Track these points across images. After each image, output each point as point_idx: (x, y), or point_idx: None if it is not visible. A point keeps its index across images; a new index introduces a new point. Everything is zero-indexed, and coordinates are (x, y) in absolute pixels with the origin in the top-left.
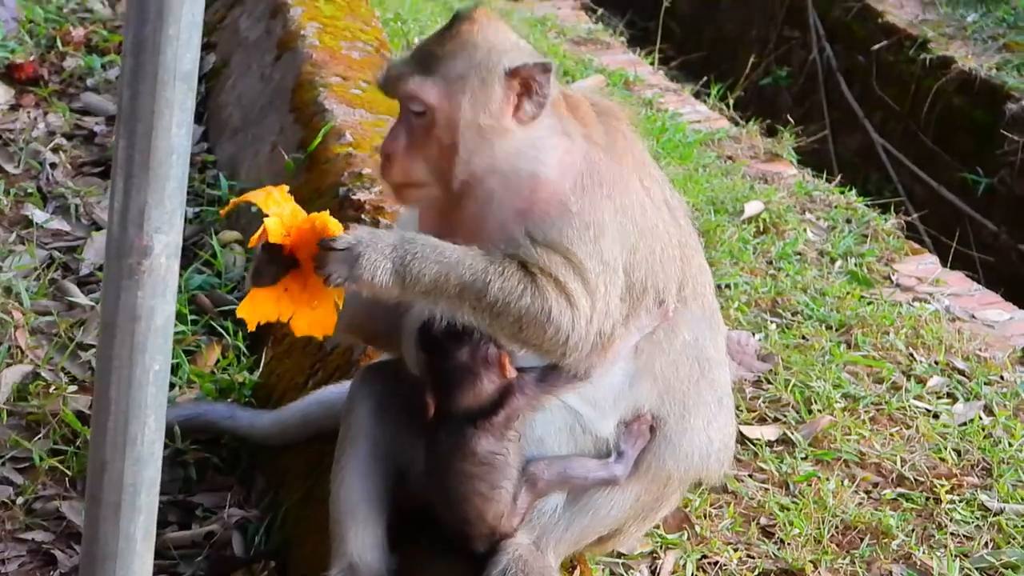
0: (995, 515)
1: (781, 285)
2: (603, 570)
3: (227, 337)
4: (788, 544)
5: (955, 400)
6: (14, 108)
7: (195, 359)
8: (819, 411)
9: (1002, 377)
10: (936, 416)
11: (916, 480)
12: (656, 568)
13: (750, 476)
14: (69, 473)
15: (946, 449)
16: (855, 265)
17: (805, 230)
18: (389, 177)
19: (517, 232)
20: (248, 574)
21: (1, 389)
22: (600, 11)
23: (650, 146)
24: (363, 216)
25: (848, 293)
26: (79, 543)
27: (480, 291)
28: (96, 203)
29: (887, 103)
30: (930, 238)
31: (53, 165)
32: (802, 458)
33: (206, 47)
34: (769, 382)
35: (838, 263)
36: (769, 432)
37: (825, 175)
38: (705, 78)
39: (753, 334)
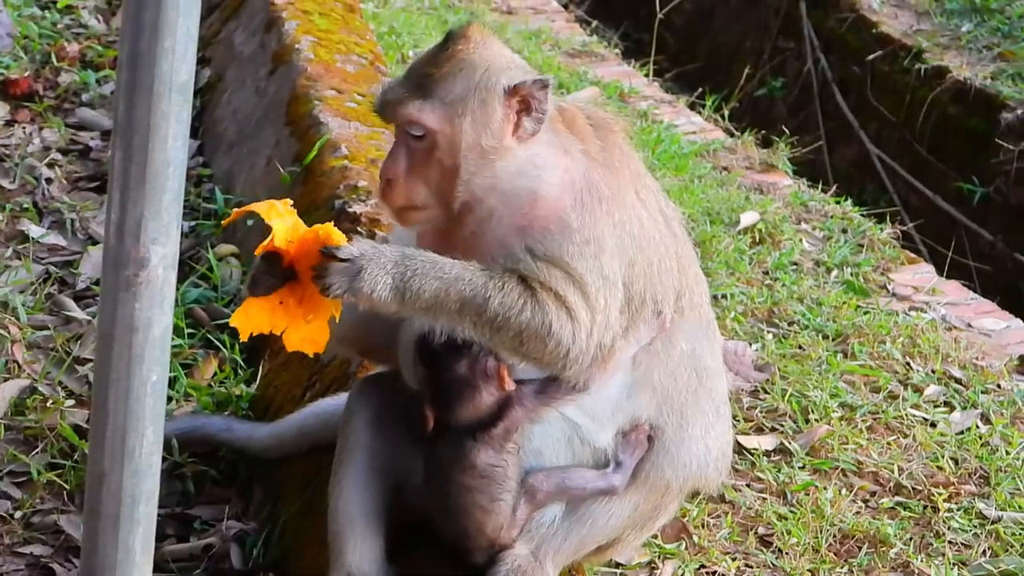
0: (993, 523)
1: (777, 295)
2: None
3: (224, 350)
4: (786, 553)
5: (952, 409)
6: (9, 124)
7: (192, 372)
8: (816, 420)
9: (999, 385)
10: (933, 425)
11: (914, 489)
12: None
13: (748, 486)
14: (67, 487)
15: (943, 458)
16: (851, 275)
17: (801, 240)
18: (391, 201)
19: (517, 248)
20: None
21: None
22: (595, 23)
23: (645, 158)
24: (359, 229)
25: (844, 303)
26: (77, 557)
27: (480, 306)
28: (92, 218)
29: (882, 113)
30: (926, 247)
31: (49, 180)
32: (799, 467)
33: (201, 61)
34: (766, 392)
35: (834, 273)
36: (766, 442)
37: (821, 185)
38: (700, 89)
39: (750, 344)
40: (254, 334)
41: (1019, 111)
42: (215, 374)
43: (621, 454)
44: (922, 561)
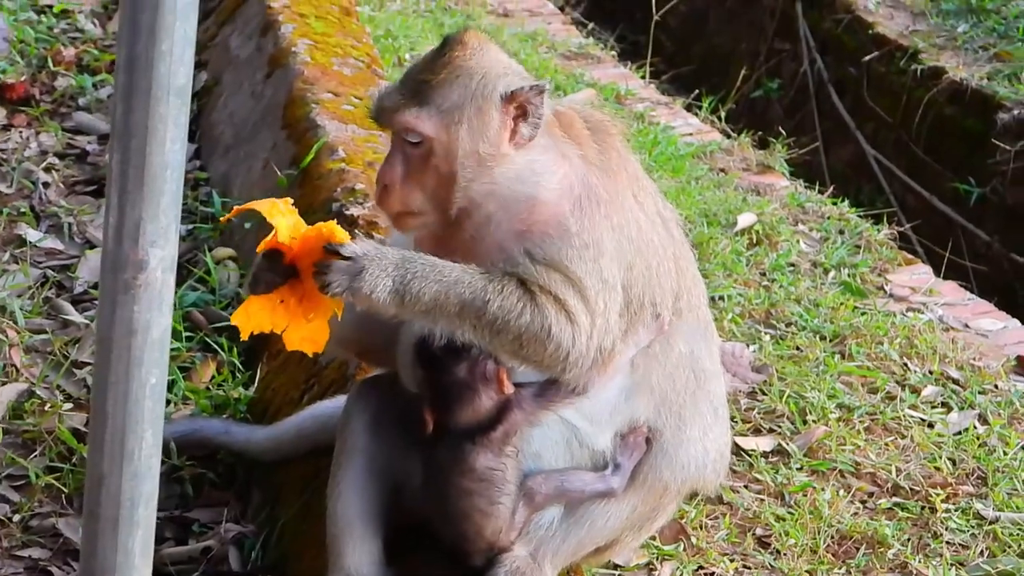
0: (991, 524)
1: (775, 296)
2: None
3: (222, 353)
4: (784, 554)
5: (949, 409)
6: (6, 128)
7: (190, 375)
8: (814, 421)
9: (996, 386)
10: (931, 425)
11: (911, 489)
12: None
13: (745, 487)
14: (65, 490)
15: (941, 458)
16: (848, 276)
17: (798, 241)
18: (388, 207)
19: (516, 252)
20: None
21: None
22: (591, 25)
23: (642, 159)
24: (356, 232)
25: (841, 304)
26: (76, 560)
27: (480, 309)
28: (89, 221)
29: (878, 114)
30: (923, 248)
31: (46, 184)
32: (797, 468)
33: (197, 65)
34: (764, 393)
35: (831, 274)
36: (764, 443)
37: (817, 186)
38: (696, 91)
39: (747, 345)
40: (254, 333)
41: (1015, 111)
42: (213, 377)
43: (619, 456)
44: (920, 562)
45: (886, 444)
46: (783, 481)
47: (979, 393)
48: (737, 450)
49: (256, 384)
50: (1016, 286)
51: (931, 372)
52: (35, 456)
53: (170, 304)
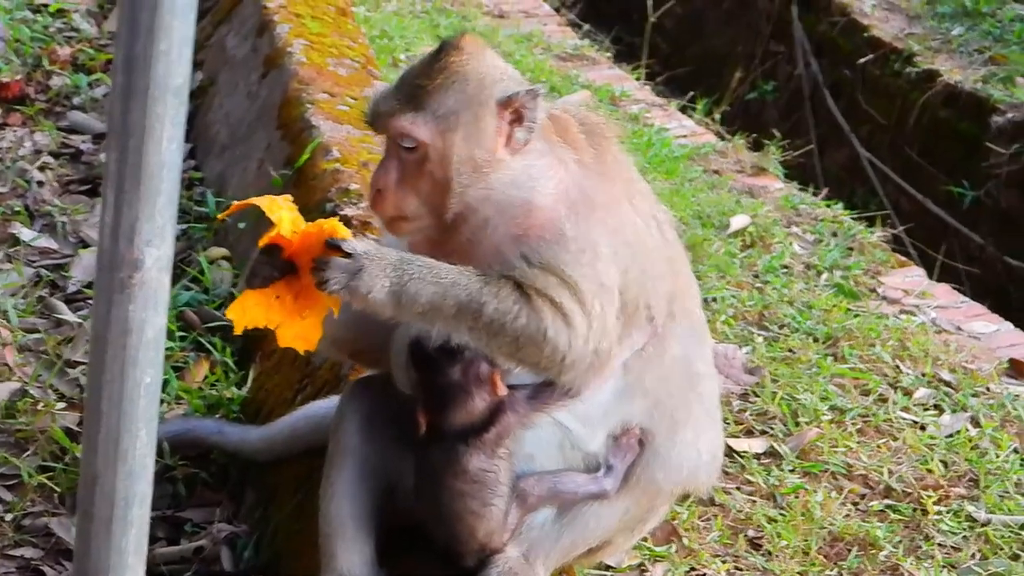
0: (982, 526)
1: (768, 298)
2: None
3: (215, 353)
4: (776, 556)
5: (942, 412)
6: (0, 127)
7: (183, 375)
8: (806, 423)
9: (988, 389)
10: (923, 428)
11: (903, 492)
12: None
13: (738, 489)
14: (58, 490)
15: (933, 461)
16: (841, 278)
17: (791, 243)
18: (381, 211)
19: (512, 255)
20: None
21: None
22: (586, 27)
23: (637, 161)
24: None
25: (835, 306)
26: (68, 559)
27: (476, 312)
28: (83, 221)
29: (873, 117)
30: (916, 251)
31: (40, 183)
32: (789, 470)
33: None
34: (756, 395)
35: (824, 276)
36: (756, 445)
37: (811, 189)
38: (691, 93)
39: (740, 347)
40: (249, 328)
41: (1010, 115)
42: (206, 377)
43: (612, 458)
44: (912, 564)
45: (878, 446)
46: (775, 483)
47: (971, 396)
48: (729, 452)
49: (249, 384)
50: (1009, 289)
51: (924, 374)
52: (28, 455)
53: (165, 304)
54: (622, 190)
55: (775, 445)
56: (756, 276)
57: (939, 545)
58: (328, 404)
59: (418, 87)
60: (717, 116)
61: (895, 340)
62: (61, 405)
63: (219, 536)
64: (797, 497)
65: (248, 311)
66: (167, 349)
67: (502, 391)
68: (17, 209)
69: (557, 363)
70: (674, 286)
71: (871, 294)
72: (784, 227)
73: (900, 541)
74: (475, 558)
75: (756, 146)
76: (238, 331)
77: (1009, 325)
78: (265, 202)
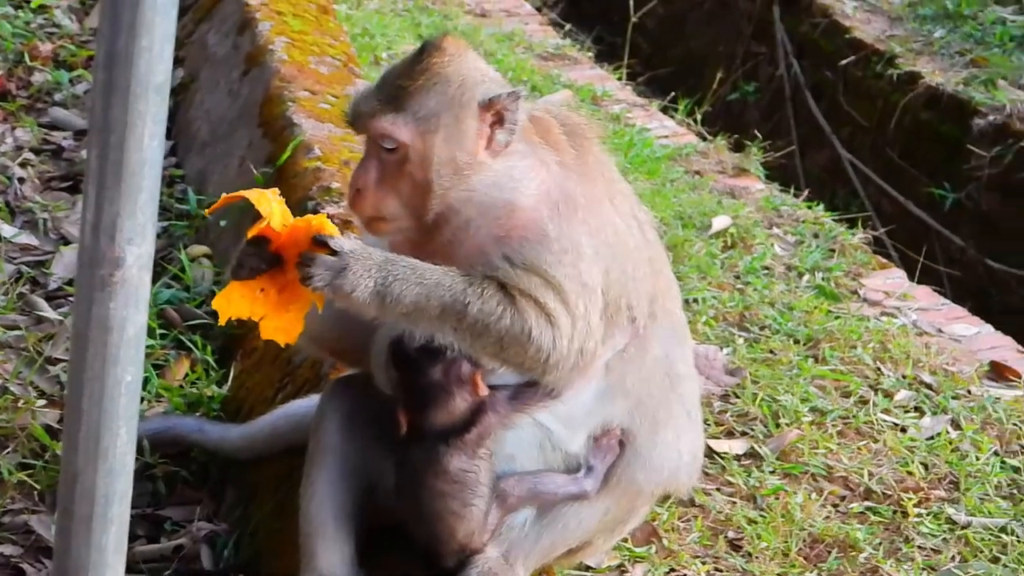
0: (962, 528)
1: (749, 299)
2: None
3: (196, 351)
4: (756, 557)
5: (922, 414)
6: None
7: (164, 373)
8: (787, 425)
9: (969, 391)
10: (903, 430)
11: (883, 494)
12: None
13: (718, 490)
14: (38, 487)
15: (913, 463)
16: (823, 279)
17: (772, 245)
18: (360, 211)
19: (495, 256)
20: None
21: None
22: (568, 27)
23: (618, 161)
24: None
25: (816, 307)
26: (48, 557)
27: (460, 312)
28: (64, 217)
29: (854, 118)
30: (897, 253)
31: (21, 180)
32: (770, 472)
33: (174, 62)
34: (737, 396)
35: (805, 277)
36: (737, 446)
37: (793, 190)
38: (673, 93)
39: (721, 348)
40: (233, 319)
41: (991, 117)
42: (187, 375)
43: (592, 459)
44: (891, 566)
45: (859, 448)
46: (755, 484)
47: (952, 398)
48: (710, 453)
49: (230, 382)
50: (990, 291)
51: (904, 376)
52: (8, 452)
53: (146, 302)
54: (603, 191)
55: (755, 446)
56: (737, 277)
57: (919, 547)
58: (309, 403)
59: (399, 88)
60: (698, 117)
61: (876, 342)
62: (41, 402)
63: (199, 534)
64: (777, 498)
65: (233, 302)
66: (147, 347)
67: (483, 391)
68: None
69: (542, 363)
70: (655, 287)
71: (852, 296)
72: (765, 228)
73: (880, 543)
74: (455, 558)
75: (737, 147)
76: (222, 321)
77: (990, 327)
78: (254, 195)
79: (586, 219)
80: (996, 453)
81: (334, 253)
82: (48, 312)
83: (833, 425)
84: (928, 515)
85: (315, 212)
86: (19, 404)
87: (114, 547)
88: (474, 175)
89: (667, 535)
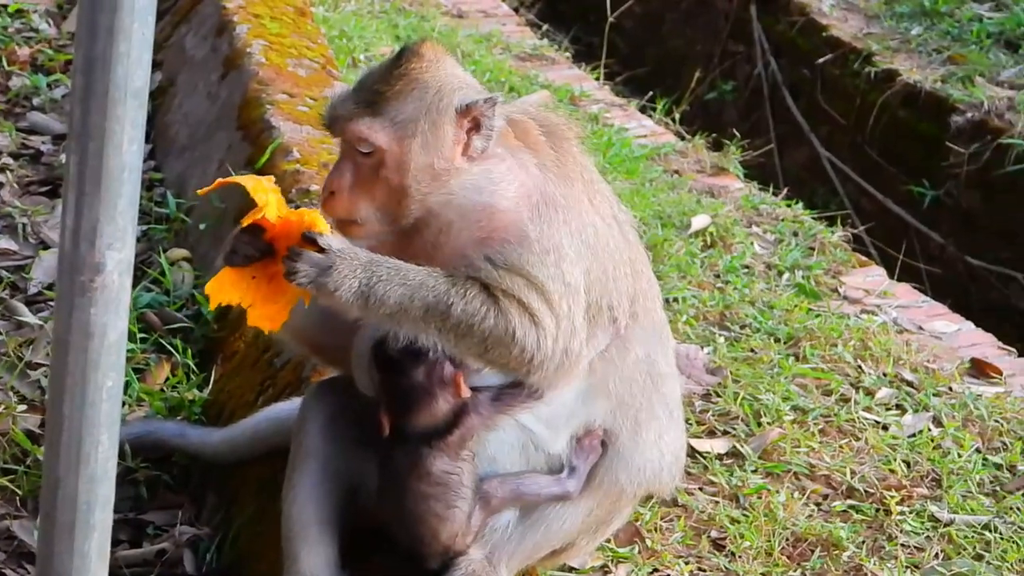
0: (945, 526)
1: (729, 298)
2: None
3: (176, 355)
4: (739, 557)
5: (904, 412)
6: None
7: (144, 377)
8: (768, 424)
9: (950, 388)
10: (885, 428)
11: (866, 492)
12: None
13: (700, 489)
14: (19, 492)
15: (895, 460)
16: (803, 278)
17: (752, 243)
18: (334, 213)
19: (476, 258)
20: None
21: None
22: (545, 27)
23: (597, 162)
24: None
25: (796, 306)
26: (30, 563)
27: (444, 313)
28: (44, 222)
29: (832, 116)
30: (877, 250)
31: (0, 184)
32: (752, 471)
33: (152, 66)
34: (718, 395)
35: (785, 276)
36: (719, 445)
37: (772, 188)
38: (651, 93)
39: (702, 347)
40: (223, 304)
41: (969, 114)
42: (168, 379)
43: (575, 460)
44: (875, 564)
45: (840, 446)
46: (738, 483)
47: (933, 395)
48: (692, 452)
49: (211, 386)
50: (970, 288)
51: (885, 374)
52: None
53: (127, 307)
54: (583, 191)
55: (737, 446)
56: (717, 276)
57: (902, 545)
58: (290, 406)
59: (377, 92)
60: (677, 116)
61: (856, 340)
62: (22, 407)
63: (181, 539)
64: (760, 498)
65: (224, 288)
66: (128, 351)
67: (466, 393)
68: None
69: (526, 363)
70: (636, 287)
71: (832, 294)
72: (745, 227)
73: (863, 541)
74: (438, 560)
75: (716, 146)
76: (212, 307)
77: (970, 324)
78: (250, 183)
79: (566, 220)
80: (978, 450)
81: (321, 251)
82: (28, 317)
83: (815, 423)
84: (911, 513)
85: None
86: (0, 409)
87: (97, 553)
88: (452, 180)
89: (650, 535)
